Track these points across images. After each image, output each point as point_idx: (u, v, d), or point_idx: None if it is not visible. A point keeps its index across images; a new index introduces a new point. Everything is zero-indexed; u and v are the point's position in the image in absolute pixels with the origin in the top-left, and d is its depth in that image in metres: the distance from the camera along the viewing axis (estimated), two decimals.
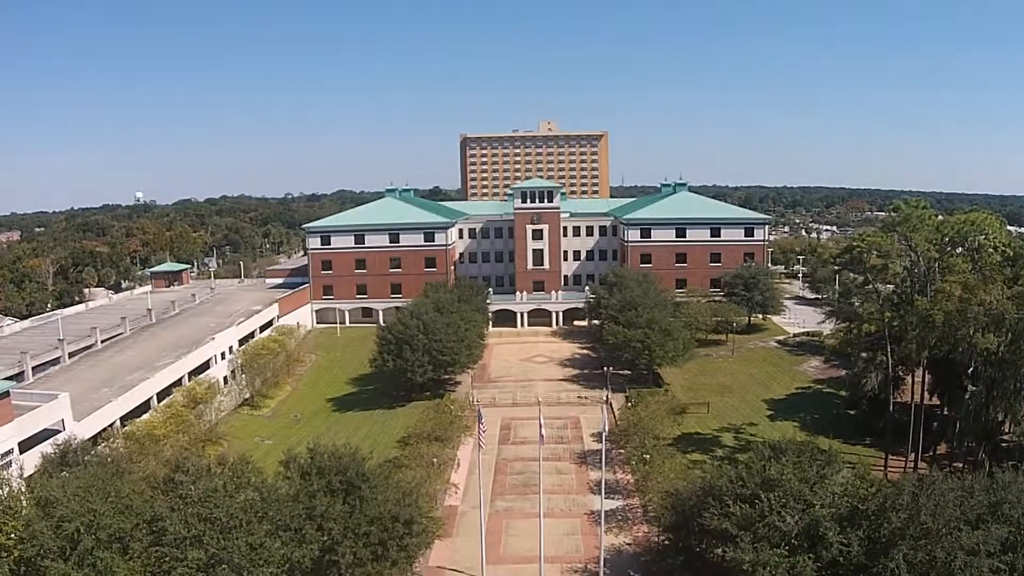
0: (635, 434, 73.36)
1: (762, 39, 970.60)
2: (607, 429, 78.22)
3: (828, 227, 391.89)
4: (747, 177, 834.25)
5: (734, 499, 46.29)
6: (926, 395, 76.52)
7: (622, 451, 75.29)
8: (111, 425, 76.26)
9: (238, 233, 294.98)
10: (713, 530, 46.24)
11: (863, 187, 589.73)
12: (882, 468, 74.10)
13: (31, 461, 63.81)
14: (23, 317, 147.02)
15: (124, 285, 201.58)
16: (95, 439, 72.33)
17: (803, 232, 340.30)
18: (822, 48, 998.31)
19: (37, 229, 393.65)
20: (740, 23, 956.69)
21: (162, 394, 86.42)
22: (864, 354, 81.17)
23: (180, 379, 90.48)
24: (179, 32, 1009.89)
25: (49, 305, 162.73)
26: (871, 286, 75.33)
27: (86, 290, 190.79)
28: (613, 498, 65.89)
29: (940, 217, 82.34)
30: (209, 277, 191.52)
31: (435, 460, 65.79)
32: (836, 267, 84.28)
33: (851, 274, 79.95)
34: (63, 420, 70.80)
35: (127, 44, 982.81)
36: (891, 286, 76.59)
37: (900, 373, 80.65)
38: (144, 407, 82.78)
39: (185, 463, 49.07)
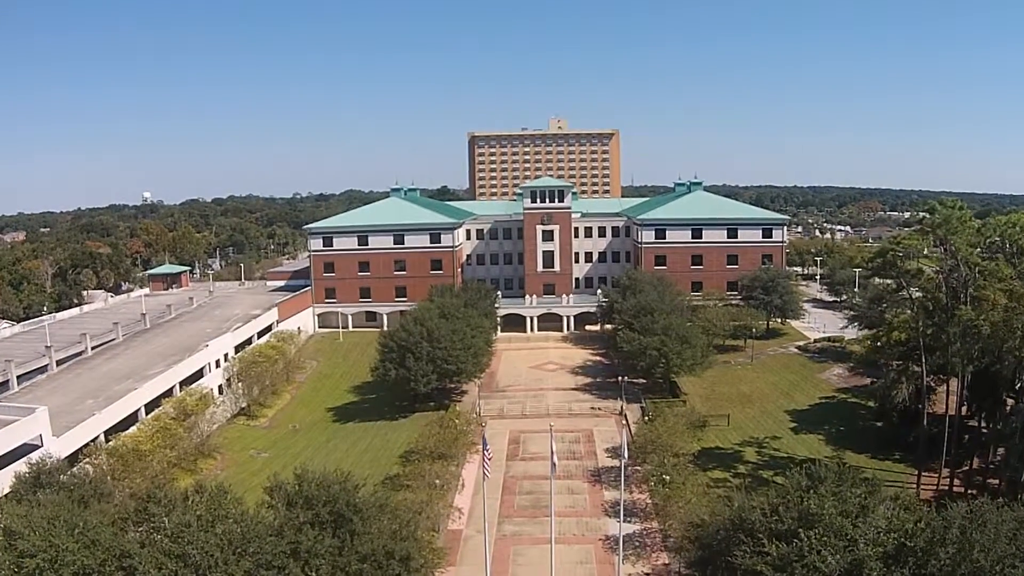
0: (653, 451, 68.23)
1: (773, 39, 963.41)
2: (624, 448, 73.83)
3: (841, 227, 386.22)
4: (757, 177, 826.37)
5: (769, 536, 41.32)
6: (957, 406, 71.73)
7: (638, 468, 70.35)
8: (94, 440, 71.61)
9: (243, 234, 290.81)
10: (745, 570, 41.42)
11: (874, 187, 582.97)
12: (914, 485, 69.49)
13: (5, 481, 59.21)
14: (20, 320, 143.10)
15: (124, 287, 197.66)
16: (76, 455, 68.10)
17: (817, 232, 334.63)
18: (829, 49, 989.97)
19: (42, 230, 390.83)
20: (749, 24, 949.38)
21: (152, 405, 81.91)
22: (896, 363, 76.38)
23: (171, 389, 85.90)
24: (185, 31, 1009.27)
25: (45, 308, 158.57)
26: (905, 292, 70.41)
27: (85, 292, 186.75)
28: (630, 521, 60.82)
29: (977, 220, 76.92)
30: (212, 279, 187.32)
31: (437, 481, 60.93)
32: (868, 271, 79.19)
33: (881, 279, 75.18)
34: (41, 436, 66.26)
35: (132, 43, 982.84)
36: (919, 292, 71.48)
37: (932, 384, 75.91)
38: (132, 419, 78.29)
39: (158, 492, 44.54)
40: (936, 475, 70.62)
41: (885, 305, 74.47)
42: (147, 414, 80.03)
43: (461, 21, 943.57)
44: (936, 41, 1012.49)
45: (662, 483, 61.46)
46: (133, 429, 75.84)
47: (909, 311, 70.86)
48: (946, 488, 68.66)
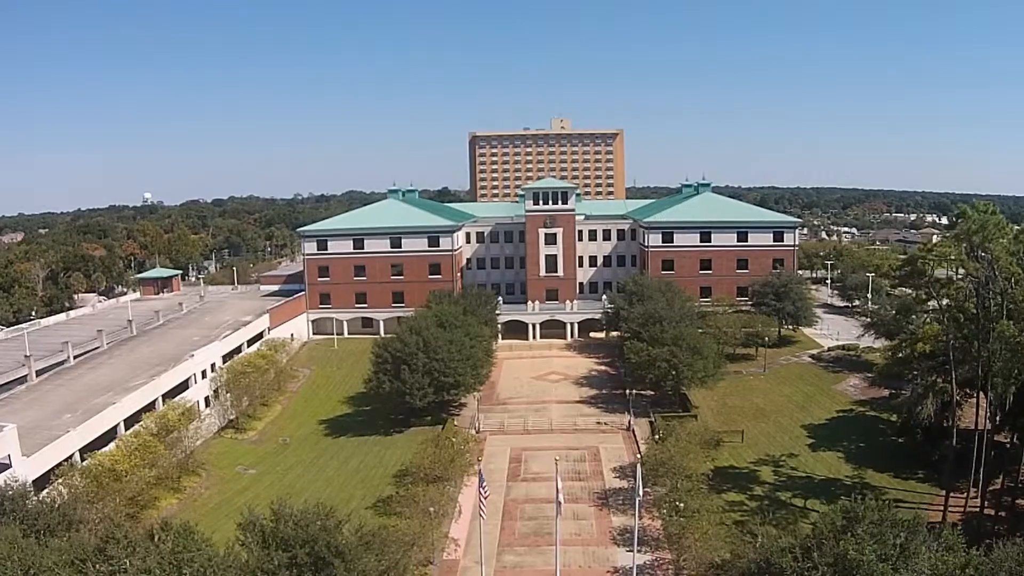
0: (665, 474, 63.46)
1: (776, 40, 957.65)
2: (628, 464, 68.88)
3: (847, 229, 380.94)
4: (760, 178, 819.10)
5: None
6: (985, 422, 67.26)
7: (648, 490, 65.60)
8: (69, 458, 66.98)
9: (240, 235, 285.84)
10: None
11: (877, 187, 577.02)
12: (940, 507, 65.01)
13: None
14: (10, 324, 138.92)
15: (117, 290, 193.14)
16: (49, 476, 63.55)
17: (823, 234, 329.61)
18: (833, 49, 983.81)
19: (41, 231, 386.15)
20: (753, 24, 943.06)
21: (133, 420, 77.23)
22: (925, 377, 71.84)
23: (153, 402, 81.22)
24: (188, 31, 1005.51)
25: (34, 312, 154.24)
26: (935, 302, 65.89)
27: (76, 296, 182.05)
28: (640, 551, 56.02)
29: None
30: (208, 282, 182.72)
31: (432, 508, 56.26)
32: (895, 279, 74.49)
33: (909, 288, 70.61)
34: (9, 455, 61.67)
35: (135, 43, 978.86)
36: (947, 300, 66.91)
37: (959, 398, 71.30)
38: (111, 435, 73.59)
39: (117, 532, 39.93)
40: (964, 495, 66.27)
41: (913, 316, 69.51)
42: (127, 430, 75.46)
43: (463, 20, 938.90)
44: (938, 41, 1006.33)
45: (675, 510, 56.68)
46: (111, 447, 71.22)
47: (937, 323, 66.40)
48: (975, 510, 64.46)
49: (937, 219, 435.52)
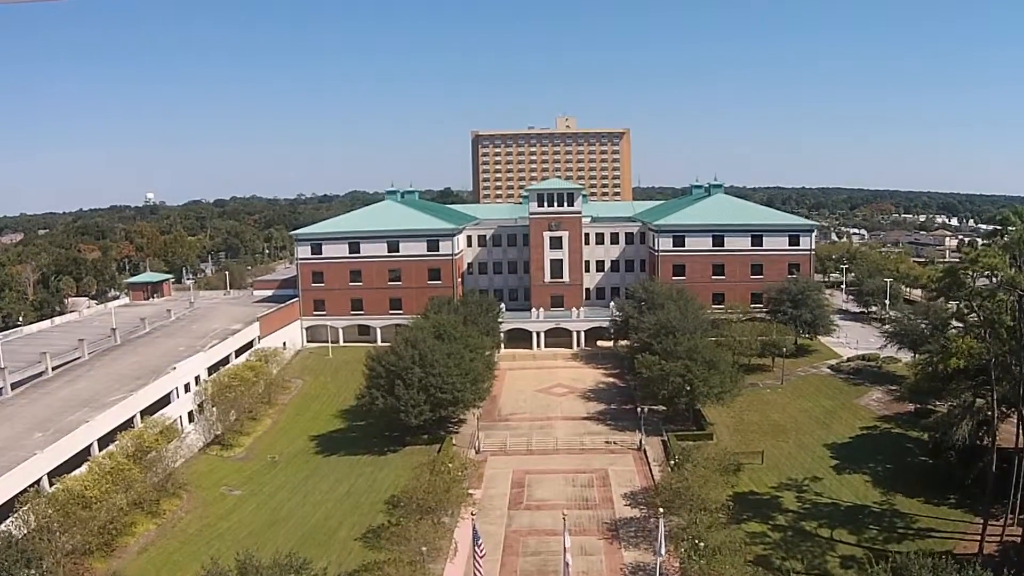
0: (682, 506, 57.91)
1: (781, 39, 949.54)
2: (639, 490, 63.49)
3: (856, 230, 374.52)
4: (765, 178, 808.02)
5: None
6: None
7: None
8: (37, 483, 61.61)
9: (238, 237, 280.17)
10: None
11: (883, 188, 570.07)
12: (976, 536, 59.80)
13: None
14: (0, 330, 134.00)
15: (111, 294, 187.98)
16: (12, 504, 58.35)
17: (834, 236, 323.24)
18: (838, 49, 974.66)
19: (41, 231, 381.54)
20: (758, 23, 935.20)
21: (109, 438, 71.85)
22: (963, 396, 66.57)
23: (132, 419, 75.91)
24: (192, 30, 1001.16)
25: (22, 317, 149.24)
26: (975, 315, 60.58)
27: (67, 300, 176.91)
28: None
29: None
30: (202, 286, 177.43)
31: (424, 548, 50.85)
32: (933, 291, 69.11)
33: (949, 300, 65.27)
34: None
35: (137, 42, 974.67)
36: (982, 313, 61.57)
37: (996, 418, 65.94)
38: (85, 456, 68.24)
39: None
40: (1001, 523, 61.27)
41: (952, 330, 64.26)
42: (101, 449, 70.14)
43: (466, 17, 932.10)
44: (942, 41, 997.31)
45: (694, 549, 51.08)
46: (83, 469, 65.86)
47: (977, 339, 61.10)
48: (1014, 538, 59.73)
49: (947, 220, 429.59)
